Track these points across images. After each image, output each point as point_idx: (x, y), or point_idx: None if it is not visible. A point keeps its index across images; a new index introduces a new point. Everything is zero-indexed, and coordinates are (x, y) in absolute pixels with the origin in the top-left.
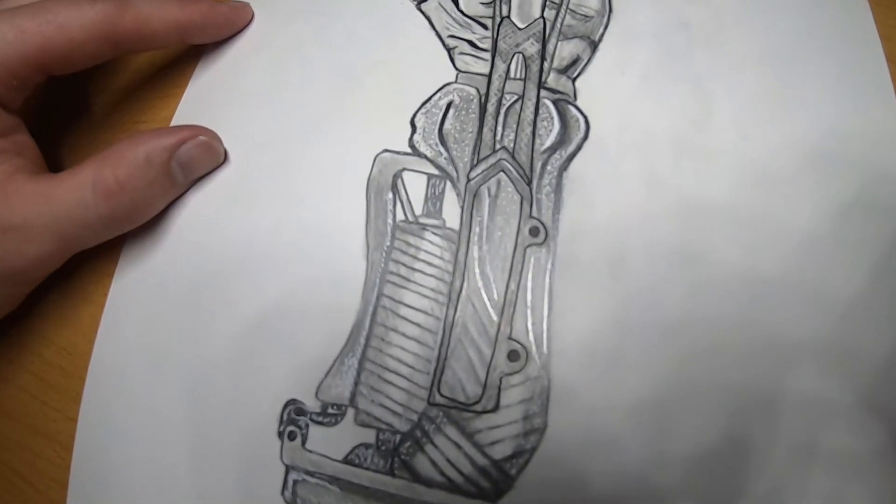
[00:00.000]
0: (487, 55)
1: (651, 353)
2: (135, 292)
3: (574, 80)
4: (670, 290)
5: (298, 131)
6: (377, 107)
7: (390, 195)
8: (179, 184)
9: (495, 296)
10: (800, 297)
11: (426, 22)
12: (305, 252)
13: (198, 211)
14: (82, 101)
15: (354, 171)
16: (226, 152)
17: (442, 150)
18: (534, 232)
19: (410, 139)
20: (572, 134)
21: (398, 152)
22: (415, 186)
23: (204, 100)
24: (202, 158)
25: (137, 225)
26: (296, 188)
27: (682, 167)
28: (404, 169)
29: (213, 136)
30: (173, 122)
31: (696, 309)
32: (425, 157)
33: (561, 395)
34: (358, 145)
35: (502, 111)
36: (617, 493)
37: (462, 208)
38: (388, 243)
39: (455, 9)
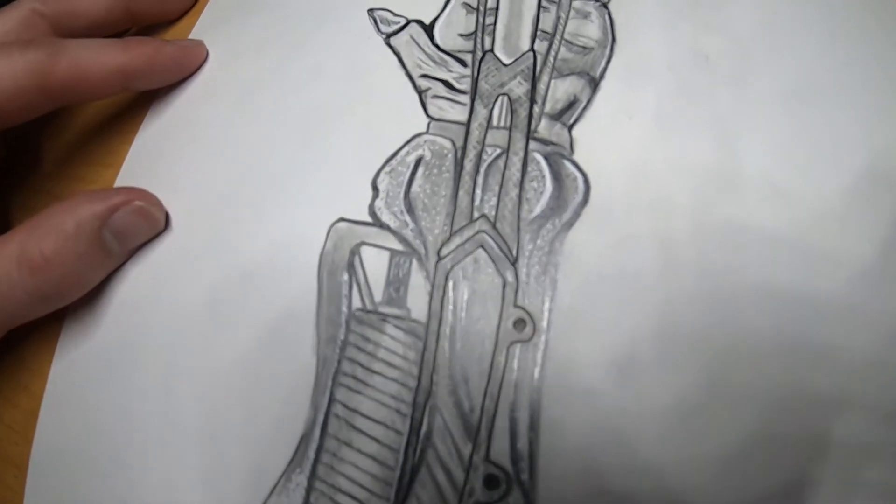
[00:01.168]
0: (466, 98)
1: None
2: (75, 372)
3: (571, 127)
4: (692, 397)
5: (250, 191)
6: (338, 163)
7: (345, 276)
8: (115, 254)
9: (470, 407)
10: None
11: (395, 58)
12: (246, 342)
13: (136, 284)
14: (32, 149)
15: (307, 243)
16: (167, 217)
17: (408, 219)
18: (519, 325)
19: (371, 205)
20: (568, 197)
21: (356, 222)
22: (375, 265)
23: (151, 154)
24: (138, 226)
25: (72, 300)
26: (240, 261)
27: (707, 237)
28: (363, 243)
29: (151, 199)
30: (117, 181)
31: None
32: (388, 228)
33: None
34: (313, 211)
35: (482, 169)
36: None
37: (431, 295)
38: (343, 336)
39: (429, 43)
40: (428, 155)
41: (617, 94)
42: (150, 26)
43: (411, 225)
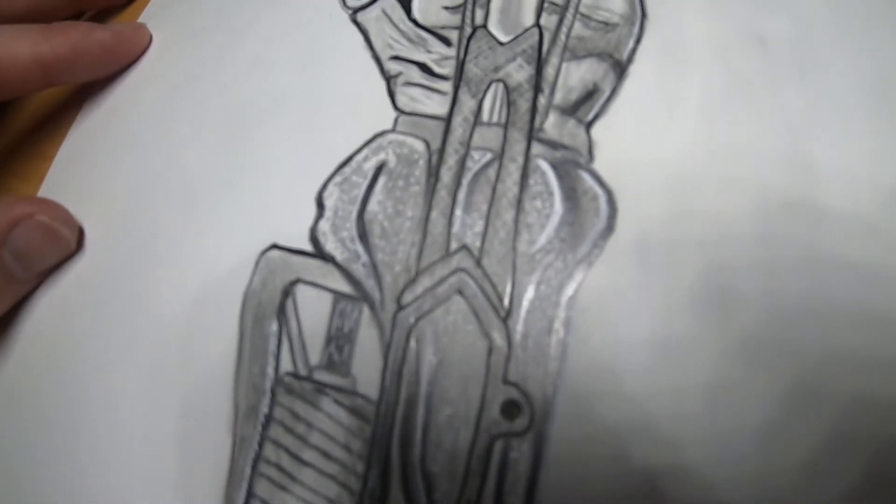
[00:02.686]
0: (448, 85)
1: None
2: None
3: (589, 125)
4: None
5: (165, 207)
6: (272, 170)
7: (274, 325)
8: (19, 279)
9: None
10: None
11: (361, 40)
12: (152, 404)
13: (45, 317)
14: None
15: (228, 277)
16: (81, 234)
17: (360, 249)
18: (509, 410)
19: (313, 228)
20: (586, 223)
21: (292, 251)
22: (313, 312)
23: (74, 159)
24: (42, 246)
25: None
26: (152, 293)
27: (778, 278)
28: (299, 280)
29: (59, 214)
30: (42, 190)
31: None
32: (332, 261)
33: None
34: (238, 234)
35: (465, 181)
36: None
37: (386, 360)
38: (266, 410)
39: (405, 17)
40: (392, 160)
41: (650, 83)
42: (103, 11)
43: (363, 257)
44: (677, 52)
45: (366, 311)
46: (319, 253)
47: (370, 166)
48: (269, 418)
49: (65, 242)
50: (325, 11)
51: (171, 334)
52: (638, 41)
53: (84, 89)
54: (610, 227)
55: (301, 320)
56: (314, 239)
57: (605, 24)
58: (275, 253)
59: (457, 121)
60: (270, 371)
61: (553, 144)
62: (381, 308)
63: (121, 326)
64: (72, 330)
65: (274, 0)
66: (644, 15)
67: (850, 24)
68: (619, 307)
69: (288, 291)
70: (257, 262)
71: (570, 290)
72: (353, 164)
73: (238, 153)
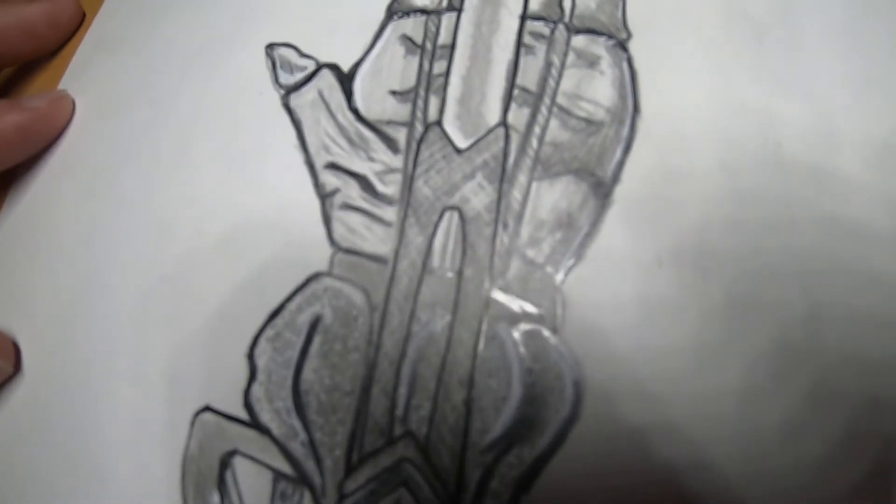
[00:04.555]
0: (392, 213)
1: None
2: None
3: (564, 273)
4: None
5: (87, 340)
6: (198, 310)
7: (216, 497)
8: None
9: None
10: None
11: (293, 136)
12: None
13: None
14: None
15: (164, 437)
16: (18, 357)
17: (297, 425)
18: None
19: (247, 392)
20: (545, 410)
21: (227, 417)
22: (254, 488)
23: (5, 259)
24: None
25: None
26: (89, 453)
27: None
28: (236, 451)
29: None
30: None
31: None
32: (268, 433)
33: None
34: (169, 389)
35: (410, 350)
36: None
37: None
38: None
39: (344, 105)
40: (328, 316)
41: (639, 216)
42: (23, 67)
43: (301, 435)
44: (676, 164)
45: (307, 495)
46: (255, 422)
47: (304, 320)
48: None
49: (1, 373)
50: (255, 87)
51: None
52: (627, 149)
53: (5, 174)
54: (575, 415)
55: (242, 495)
56: (248, 405)
57: (588, 121)
58: (209, 417)
59: (402, 266)
60: None
61: (514, 304)
62: (322, 494)
63: (54, 486)
64: (14, 463)
65: (200, 63)
66: (636, 109)
67: None
68: None
69: (226, 462)
70: (192, 424)
71: (525, 488)
72: (286, 314)
73: (159, 288)
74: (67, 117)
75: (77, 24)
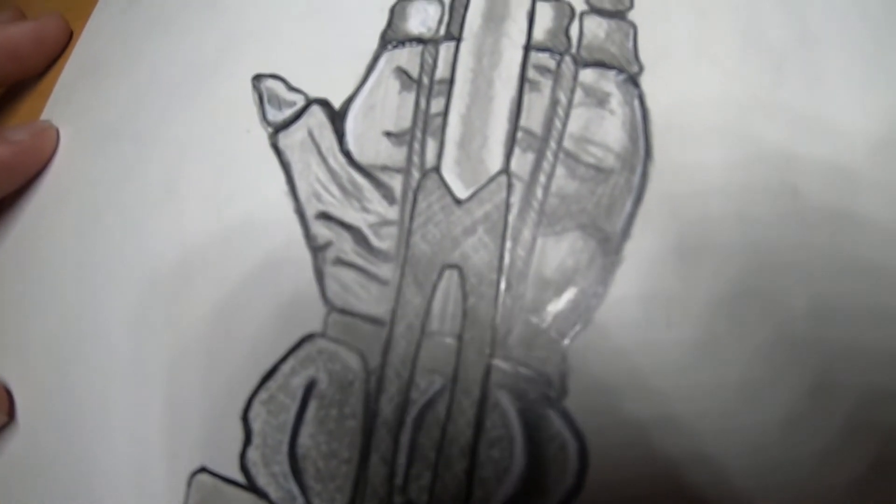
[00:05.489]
0: (388, 270)
1: None
2: None
3: (570, 338)
4: None
5: (78, 394)
6: (190, 365)
7: None
8: None
9: None
10: None
11: (283, 182)
12: None
13: None
14: None
15: (167, 496)
16: (12, 406)
17: (295, 490)
18: None
19: (243, 455)
20: (549, 479)
21: (224, 479)
22: None
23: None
24: None
25: None
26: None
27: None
28: None
29: None
30: None
31: None
32: (266, 497)
33: None
34: (170, 442)
35: (409, 419)
36: None
37: None
38: None
39: (336, 147)
40: (324, 381)
41: (651, 276)
42: (8, 92)
43: (300, 501)
44: (692, 220)
45: None
46: (252, 486)
47: (298, 384)
48: None
49: None
50: (242, 123)
51: None
52: (638, 201)
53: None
54: (579, 486)
55: None
56: (245, 468)
57: (597, 168)
58: (206, 478)
59: (399, 330)
60: None
61: (517, 371)
62: None
63: None
64: None
65: (184, 94)
66: (648, 155)
67: None
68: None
69: None
70: (189, 486)
71: None
72: (279, 377)
73: (151, 342)
74: (52, 150)
75: (64, 44)
